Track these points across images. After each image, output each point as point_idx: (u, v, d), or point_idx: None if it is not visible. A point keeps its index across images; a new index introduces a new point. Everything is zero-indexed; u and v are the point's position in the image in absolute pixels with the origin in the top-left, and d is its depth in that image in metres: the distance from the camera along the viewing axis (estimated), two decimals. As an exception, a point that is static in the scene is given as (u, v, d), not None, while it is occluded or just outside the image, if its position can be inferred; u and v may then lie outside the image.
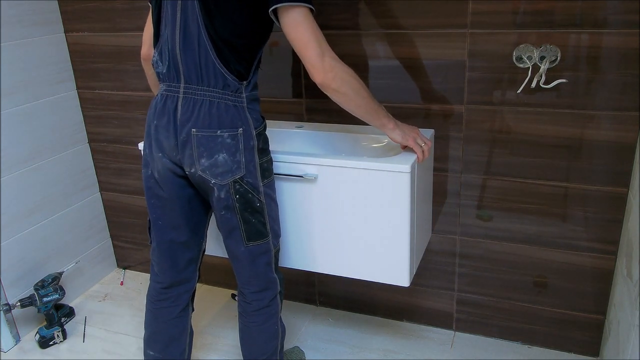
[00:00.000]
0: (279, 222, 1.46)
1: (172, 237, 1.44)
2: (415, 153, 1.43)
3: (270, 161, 1.39)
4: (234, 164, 1.29)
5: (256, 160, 1.32)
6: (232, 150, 1.28)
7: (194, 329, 1.62)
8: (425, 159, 1.46)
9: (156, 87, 1.50)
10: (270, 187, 1.39)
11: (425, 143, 1.44)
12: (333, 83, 1.25)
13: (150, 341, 1.56)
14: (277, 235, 1.44)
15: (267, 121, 1.38)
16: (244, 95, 1.29)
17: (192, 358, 1.85)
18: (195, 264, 1.52)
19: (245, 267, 1.42)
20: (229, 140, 1.28)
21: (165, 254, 1.47)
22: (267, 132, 1.39)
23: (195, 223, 1.45)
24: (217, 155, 1.28)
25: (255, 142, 1.31)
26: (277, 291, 1.46)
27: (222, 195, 1.31)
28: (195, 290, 1.57)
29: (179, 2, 1.24)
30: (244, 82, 1.28)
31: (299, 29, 1.21)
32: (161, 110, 1.32)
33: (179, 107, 1.29)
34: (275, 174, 1.48)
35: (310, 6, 1.21)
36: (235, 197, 1.32)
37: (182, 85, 1.29)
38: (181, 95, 1.29)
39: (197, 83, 1.27)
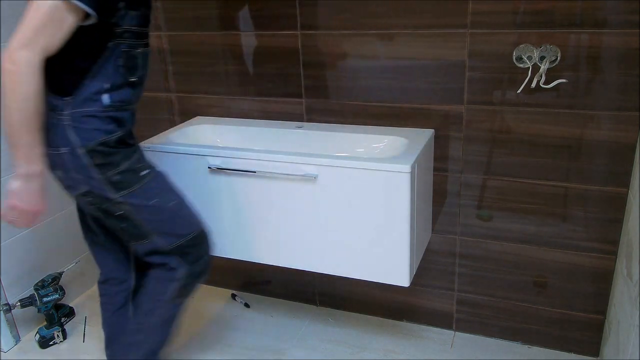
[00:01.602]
0: (178, 221, 1.36)
1: (91, 237, 1.47)
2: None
3: (130, 171, 1.27)
4: (69, 180, 1.24)
5: (96, 177, 1.23)
6: (64, 169, 1.23)
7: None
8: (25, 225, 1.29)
9: None
10: (138, 195, 1.28)
11: (26, 218, 1.26)
12: (4, 76, 1.09)
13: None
14: (170, 234, 1.35)
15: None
16: (67, 112, 1.19)
17: (192, 358, 1.85)
18: (124, 265, 1.50)
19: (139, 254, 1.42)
20: (56, 159, 1.22)
21: (93, 251, 1.50)
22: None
23: (104, 226, 1.42)
24: (55, 171, 1.25)
25: (88, 160, 1.21)
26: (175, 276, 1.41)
27: (81, 204, 1.31)
28: (132, 291, 1.56)
29: None
30: (67, 98, 1.18)
31: (29, 9, 1.08)
32: None
33: None
34: (275, 173, 1.47)
35: (69, 1, 1.07)
36: (93, 207, 1.28)
37: None
38: None
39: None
